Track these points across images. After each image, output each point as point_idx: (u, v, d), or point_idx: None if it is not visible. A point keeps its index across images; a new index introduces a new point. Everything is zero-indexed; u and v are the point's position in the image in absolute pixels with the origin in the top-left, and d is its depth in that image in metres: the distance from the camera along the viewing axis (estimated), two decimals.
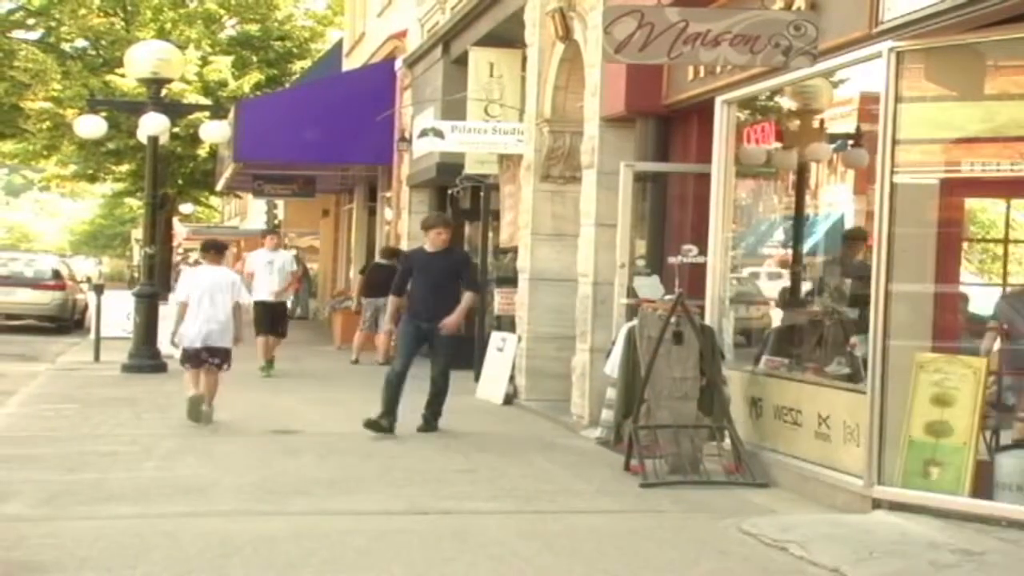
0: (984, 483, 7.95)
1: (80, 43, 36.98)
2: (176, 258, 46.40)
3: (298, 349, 21.62)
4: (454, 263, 12.06)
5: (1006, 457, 8.22)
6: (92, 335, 19.32)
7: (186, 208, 48.37)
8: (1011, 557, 6.96)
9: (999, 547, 7.15)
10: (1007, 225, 9.12)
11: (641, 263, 11.88)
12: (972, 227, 9.63)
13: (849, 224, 11.21)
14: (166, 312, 17.92)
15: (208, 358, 11.91)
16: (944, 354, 8.26)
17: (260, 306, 17.18)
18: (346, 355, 19.86)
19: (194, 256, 42.54)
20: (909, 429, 8.14)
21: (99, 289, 20.40)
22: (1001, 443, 8.54)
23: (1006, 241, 9.12)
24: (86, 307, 26.67)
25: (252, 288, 16.55)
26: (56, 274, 27.61)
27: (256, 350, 16.59)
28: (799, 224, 11.56)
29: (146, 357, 17.06)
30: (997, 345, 8.92)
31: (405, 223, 22.50)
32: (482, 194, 17.69)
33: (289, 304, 19.94)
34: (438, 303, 11.76)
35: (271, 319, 17.41)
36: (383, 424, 11.41)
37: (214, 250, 12.81)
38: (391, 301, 12.26)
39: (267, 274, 17.55)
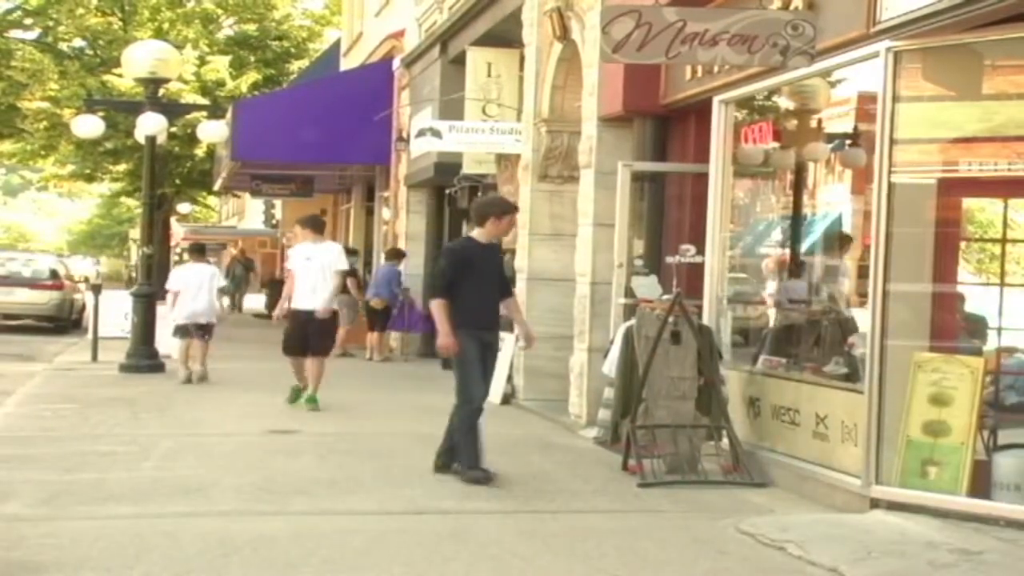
0: (982, 483, 7.97)
1: (78, 43, 36.96)
2: (175, 258, 46.39)
3: None
4: (500, 260, 10.03)
5: (1004, 457, 8.23)
6: (90, 335, 19.31)
7: (184, 208, 48.38)
8: (1009, 556, 6.97)
9: (997, 546, 7.17)
10: (1005, 225, 9.13)
11: (639, 263, 11.89)
12: (970, 227, 9.64)
13: (847, 224, 11.23)
14: (164, 312, 18.03)
15: (195, 331, 15.90)
16: (942, 354, 8.27)
17: (295, 317, 13.33)
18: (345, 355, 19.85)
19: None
20: (907, 429, 8.15)
21: (97, 289, 20.39)
22: (999, 442, 8.56)
23: (1004, 241, 9.12)
24: (84, 307, 26.66)
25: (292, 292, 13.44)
26: (54, 274, 27.61)
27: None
28: (797, 224, 11.57)
29: (144, 357, 17.06)
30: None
31: (403, 223, 22.52)
32: (480, 194, 17.69)
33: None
34: (495, 309, 9.70)
35: (304, 334, 13.26)
36: (489, 472, 9.31)
37: (198, 252, 17.45)
38: (441, 305, 9.31)
39: (306, 273, 13.29)
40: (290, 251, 14.58)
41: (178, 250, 48.53)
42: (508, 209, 9.75)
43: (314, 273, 13.20)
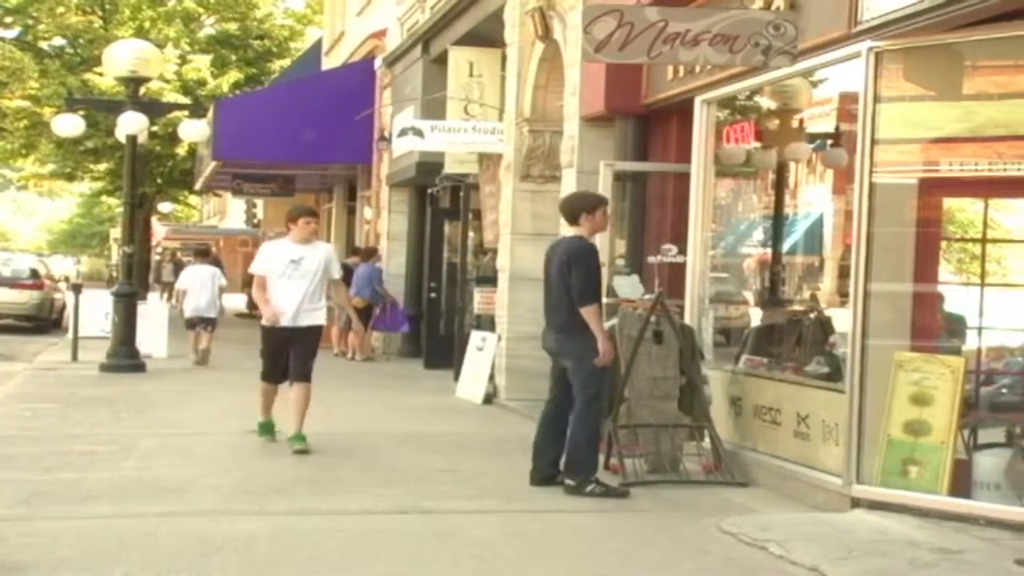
0: (962, 482, 7.99)
1: (58, 41, 36.88)
2: (156, 257, 46.28)
3: None
4: None
5: (984, 456, 8.26)
6: (70, 334, 19.25)
7: (165, 207, 48.27)
8: (989, 556, 6.99)
9: (977, 546, 7.18)
10: (985, 225, 9.15)
11: (621, 262, 11.89)
12: (950, 227, 9.66)
13: (829, 223, 11.26)
14: (145, 311, 18.04)
15: (200, 324, 18.25)
16: (923, 353, 8.29)
17: (270, 335, 10.61)
18: (326, 354, 19.79)
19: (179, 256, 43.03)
20: (888, 428, 8.17)
21: (77, 288, 20.33)
22: (979, 442, 8.59)
23: (984, 241, 9.15)
24: (64, 306, 26.58)
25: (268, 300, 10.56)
26: (34, 273, 27.51)
27: (257, 401, 10.99)
28: (778, 224, 11.59)
29: (124, 357, 16.99)
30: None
31: (385, 222, 22.51)
32: (462, 194, 17.71)
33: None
34: None
35: (284, 354, 10.62)
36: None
37: (203, 253, 20.44)
38: (599, 310, 9.00)
39: (287, 281, 10.47)
40: (263, 249, 11.51)
41: (159, 250, 48.48)
42: (599, 202, 9.30)
43: (301, 280, 10.47)
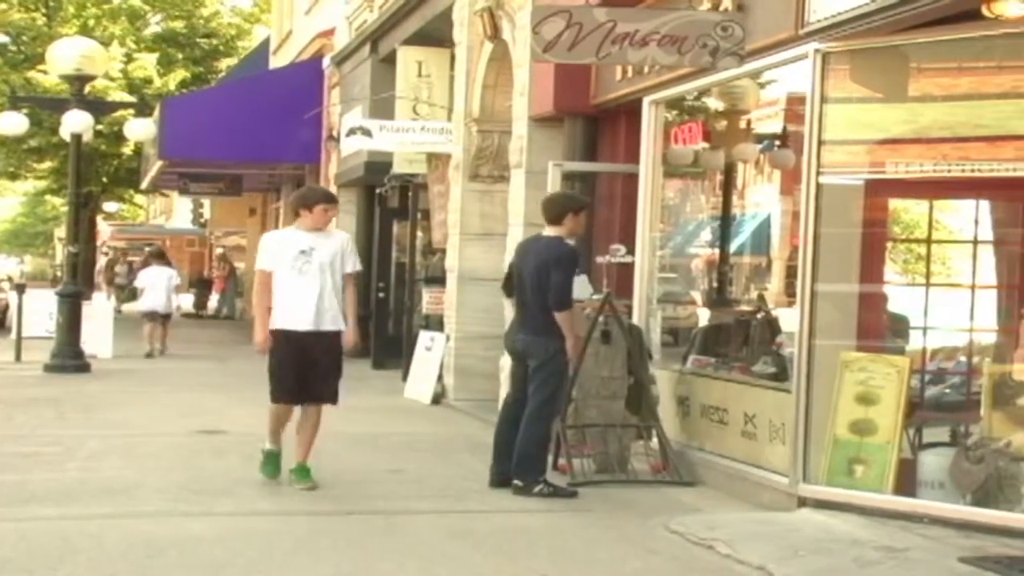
0: (907, 481, 8.05)
1: (1, 38, 36.43)
2: (104, 256, 45.84)
3: (225, 349, 21.49)
4: None
5: (929, 455, 8.33)
6: (13, 335, 19.05)
7: (111, 206, 47.84)
8: (933, 553, 7.04)
9: (921, 544, 7.23)
10: (930, 225, 9.24)
11: None
12: (896, 227, 9.74)
13: (776, 224, 11.32)
14: (89, 312, 17.86)
15: (157, 319, 19.92)
16: (869, 353, 8.35)
17: (286, 342, 8.81)
18: None
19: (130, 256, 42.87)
20: (834, 427, 8.22)
21: (21, 288, 20.14)
22: (924, 441, 8.67)
23: (929, 241, 9.24)
24: (7, 306, 26.27)
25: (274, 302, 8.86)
26: None
27: (265, 424, 9.32)
28: (726, 224, 11.64)
29: (69, 357, 16.84)
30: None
31: (333, 222, 22.36)
32: (410, 193, 17.68)
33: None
34: None
35: (302, 368, 8.87)
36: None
37: (159, 256, 22.04)
38: (570, 317, 8.84)
39: (296, 275, 8.79)
40: (264, 240, 9.50)
41: (104, 249, 48.03)
42: (584, 204, 9.35)
43: (316, 275, 8.81)
